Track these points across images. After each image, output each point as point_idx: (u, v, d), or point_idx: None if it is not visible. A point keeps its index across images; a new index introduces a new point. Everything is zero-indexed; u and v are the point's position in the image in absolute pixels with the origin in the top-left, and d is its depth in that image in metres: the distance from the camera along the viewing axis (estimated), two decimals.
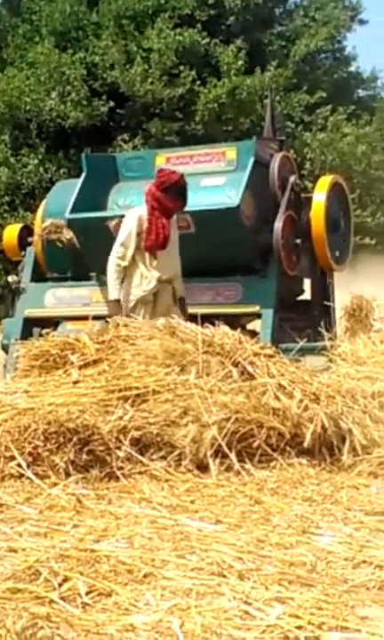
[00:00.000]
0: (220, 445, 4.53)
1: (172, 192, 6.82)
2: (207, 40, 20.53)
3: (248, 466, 4.55)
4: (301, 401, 4.88)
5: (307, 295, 8.55)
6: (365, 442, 4.86)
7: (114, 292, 6.77)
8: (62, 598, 2.60)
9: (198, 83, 20.20)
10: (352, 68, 24.59)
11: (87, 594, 2.65)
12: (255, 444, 4.66)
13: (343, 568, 3.01)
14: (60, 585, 2.70)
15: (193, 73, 20.07)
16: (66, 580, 2.74)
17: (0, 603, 2.51)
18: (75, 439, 4.31)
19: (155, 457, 4.50)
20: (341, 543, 3.28)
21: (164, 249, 6.80)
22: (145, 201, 6.90)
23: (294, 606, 2.58)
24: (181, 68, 20.07)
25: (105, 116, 19.96)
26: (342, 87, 23.21)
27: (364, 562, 3.06)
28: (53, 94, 19.78)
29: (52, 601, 2.58)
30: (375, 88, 25.24)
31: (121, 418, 4.56)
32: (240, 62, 20.32)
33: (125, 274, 6.79)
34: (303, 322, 7.90)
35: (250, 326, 7.95)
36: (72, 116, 19.49)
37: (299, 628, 2.43)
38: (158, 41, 20.01)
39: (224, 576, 2.85)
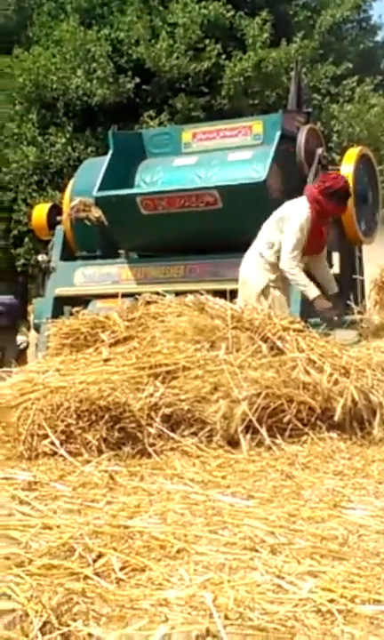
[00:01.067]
0: (250, 421, 4.55)
1: (335, 198, 6.69)
2: (232, 13, 20.33)
3: (279, 441, 4.57)
4: (331, 375, 4.89)
5: (335, 269, 8.51)
6: None
7: (312, 290, 6.58)
8: (97, 574, 2.63)
9: (224, 57, 20.03)
10: (378, 38, 24.32)
11: (121, 569, 2.68)
12: (286, 419, 4.67)
13: (375, 541, 3.01)
14: (95, 561, 2.73)
15: (218, 47, 19.90)
16: (100, 556, 2.77)
17: (35, 579, 2.54)
18: (106, 417, 4.34)
19: (186, 433, 4.52)
20: (373, 516, 3.29)
21: (319, 254, 6.75)
22: (308, 201, 6.70)
23: (327, 580, 2.60)
24: (207, 42, 19.91)
25: (131, 92, 19.87)
26: (369, 57, 22.94)
27: None
28: (79, 72, 19.71)
29: (86, 577, 2.60)
30: None
31: (152, 395, 4.58)
32: (265, 35, 20.12)
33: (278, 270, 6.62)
34: (332, 295, 7.87)
35: None
36: (98, 94, 19.41)
37: (331, 601, 2.44)
38: (183, 15, 19.84)
39: (256, 550, 2.87)
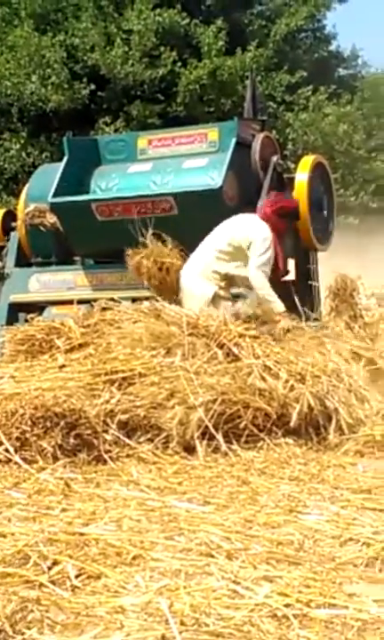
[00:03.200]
0: (206, 427, 4.55)
1: (287, 218, 6.80)
2: (187, 21, 20.37)
3: (235, 447, 4.58)
4: (287, 381, 4.91)
5: (292, 275, 8.55)
6: (351, 420, 4.89)
7: (279, 304, 6.43)
8: (52, 582, 2.62)
9: (179, 64, 20.06)
10: (332, 47, 24.48)
11: (76, 577, 2.67)
12: (242, 425, 4.69)
13: (330, 546, 3.04)
14: (50, 568, 2.71)
15: (173, 54, 19.93)
16: (55, 563, 2.76)
17: None
18: (62, 423, 4.32)
19: (142, 440, 4.52)
20: (328, 521, 3.31)
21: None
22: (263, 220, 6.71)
23: (282, 584, 2.61)
24: (162, 49, 19.92)
25: (86, 98, 19.81)
26: (323, 66, 23.08)
27: (351, 539, 3.09)
28: (34, 78, 19.61)
29: (41, 584, 2.59)
30: (356, 67, 25.15)
31: (108, 401, 4.58)
32: (221, 43, 20.18)
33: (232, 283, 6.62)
34: (288, 302, 7.90)
35: None
36: (53, 100, 19.33)
37: (287, 605, 2.45)
38: (138, 22, 19.84)
39: (212, 556, 2.88)
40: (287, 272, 8.08)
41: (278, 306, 6.41)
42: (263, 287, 6.43)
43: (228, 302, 6.51)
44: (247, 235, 6.56)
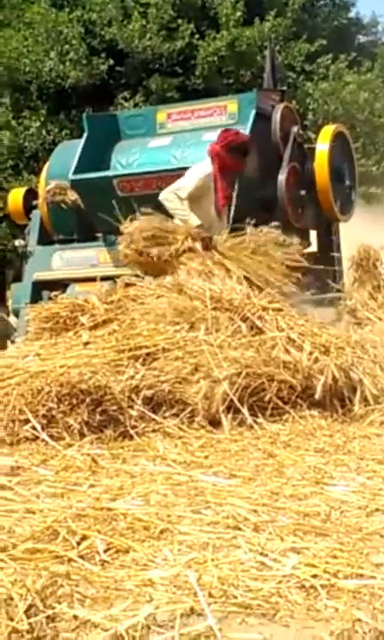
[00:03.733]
0: (231, 400, 4.56)
1: (235, 153, 6.77)
2: None
3: (260, 420, 4.59)
4: (311, 353, 4.90)
5: (313, 247, 8.52)
6: (376, 392, 4.89)
7: (193, 218, 6.61)
8: (81, 556, 2.65)
9: (197, 36, 19.89)
10: (352, 15, 24.18)
11: (105, 551, 2.70)
12: (267, 398, 4.69)
13: (357, 517, 3.04)
14: (79, 544, 2.74)
15: (191, 26, 19.75)
16: (84, 538, 2.78)
17: (20, 563, 2.55)
18: (88, 400, 4.34)
19: (167, 414, 4.53)
20: (355, 492, 3.32)
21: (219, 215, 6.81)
22: (210, 157, 6.78)
23: (309, 556, 2.62)
24: (179, 21, 19.75)
25: (105, 74, 19.70)
26: (343, 34, 22.82)
27: (378, 510, 3.10)
28: (52, 54, 19.52)
29: (70, 559, 2.62)
30: (376, 34, 24.83)
31: (132, 377, 4.59)
32: (238, 13, 19.97)
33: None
34: (310, 274, 7.88)
35: None
36: (72, 76, 19.24)
37: (314, 576, 2.47)
38: None
39: (239, 529, 2.89)
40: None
41: (192, 220, 6.47)
42: (170, 201, 6.58)
43: None
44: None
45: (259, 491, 3.33)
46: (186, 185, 6.67)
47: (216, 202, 6.69)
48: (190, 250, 6.10)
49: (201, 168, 6.78)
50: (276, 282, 6.04)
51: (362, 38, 24.40)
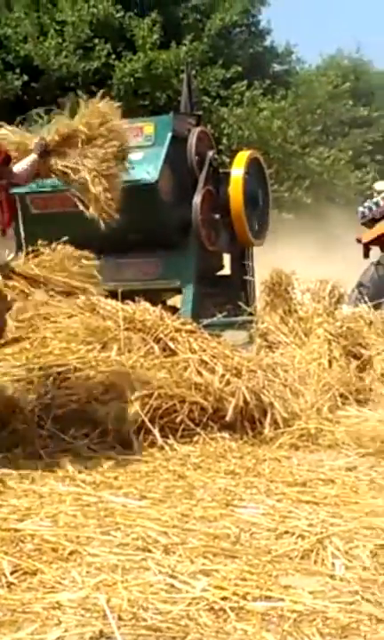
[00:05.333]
0: (143, 421, 4.54)
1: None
2: (122, 13, 20.30)
3: (171, 441, 4.58)
4: (223, 375, 4.92)
5: (227, 270, 8.59)
6: (286, 415, 4.93)
7: None
8: None
9: (113, 57, 20.00)
10: (267, 43, 24.62)
11: (12, 573, 2.65)
12: (178, 419, 4.69)
13: (266, 539, 3.06)
14: None
15: (108, 46, 19.85)
16: None
17: None
18: None
19: (78, 434, 4.49)
20: (264, 515, 3.33)
21: None
22: None
23: (219, 578, 2.62)
24: (96, 41, 19.83)
25: (19, 89, 19.62)
26: (258, 62, 23.23)
27: (287, 532, 3.12)
28: None
29: None
30: (290, 62, 25.37)
31: (43, 396, 4.54)
32: (155, 36, 20.17)
33: None
34: (223, 297, 7.94)
35: (170, 302, 7.97)
36: None
37: (224, 599, 2.47)
38: (72, 13, 19.72)
39: (149, 551, 2.88)
40: (222, 267, 8.09)
41: None
42: None
43: None
44: None
45: (169, 512, 3.32)
46: None
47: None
48: None
49: None
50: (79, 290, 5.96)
51: (276, 67, 24.87)
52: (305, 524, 3.19)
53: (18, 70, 19.55)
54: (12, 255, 6.22)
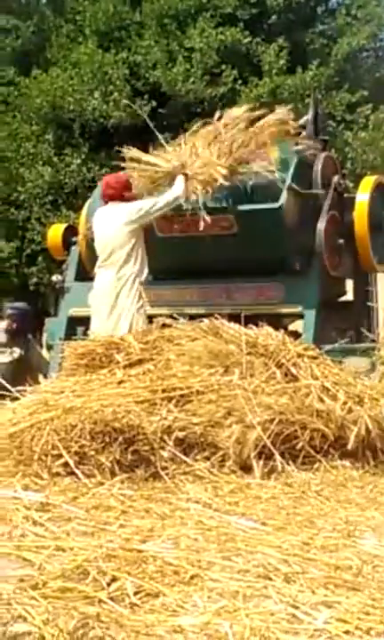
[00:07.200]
0: (264, 446, 4.54)
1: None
2: (249, 39, 20.44)
3: (291, 467, 4.56)
4: (345, 403, 4.88)
5: (349, 296, 8.51)
6: None
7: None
8: (111, 598, 2.63)
9: (240, 82, 20.12)
10: None
11: (135, 594, 2.68)
12: (299, 446, 4.67)
13: None
14: (109, 584, 2.73)
15: (235, 72, 20.00)
16: (114, 579, 2.77)
17: (50, 602, 2.54)
18: (120, 439, 4.34)
19: (199, 457, 4.52)
20: None
21: None
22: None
23: (341, 610, 2.59)
24: (223, 67, 20.01)
25: (147, 115, 19.99)
26: (383, 85, 23.04)
27: None
28: (96, 94, 19.83)
29: (101, 600, 2.60)
30: None
31: (165, 418, 4.59)
32: (282, 61, 20.20)
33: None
34: (345, 323, 7.86)
35: (292, 327, 7.93)
36: (114, 116, 19.54)
37: (346, 632, 2.43)
38: (200, 40, 19.96)
39: (270, 579, 2.86)
40: (344, 292, 8.05)
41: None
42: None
43: None
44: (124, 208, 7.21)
45: (289, 540, 3.30)
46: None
47: None
48: None
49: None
50: None
51: None
52: None
53: (146, 96, 19.91)
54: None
